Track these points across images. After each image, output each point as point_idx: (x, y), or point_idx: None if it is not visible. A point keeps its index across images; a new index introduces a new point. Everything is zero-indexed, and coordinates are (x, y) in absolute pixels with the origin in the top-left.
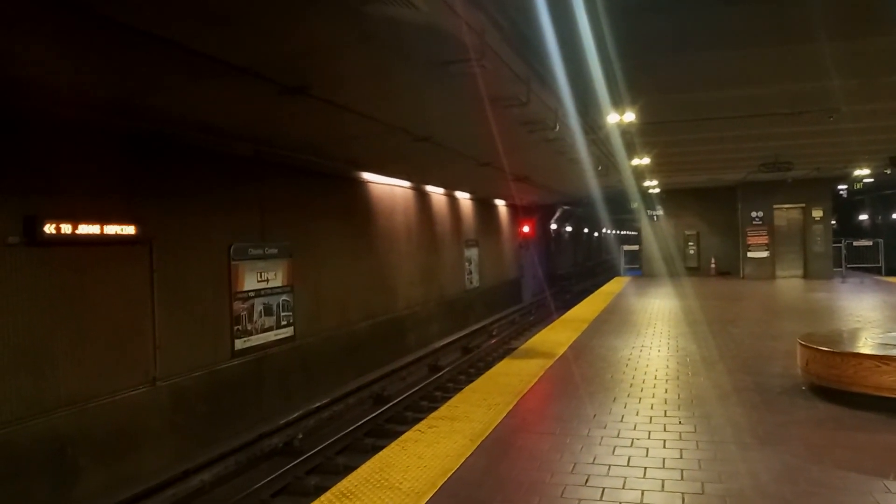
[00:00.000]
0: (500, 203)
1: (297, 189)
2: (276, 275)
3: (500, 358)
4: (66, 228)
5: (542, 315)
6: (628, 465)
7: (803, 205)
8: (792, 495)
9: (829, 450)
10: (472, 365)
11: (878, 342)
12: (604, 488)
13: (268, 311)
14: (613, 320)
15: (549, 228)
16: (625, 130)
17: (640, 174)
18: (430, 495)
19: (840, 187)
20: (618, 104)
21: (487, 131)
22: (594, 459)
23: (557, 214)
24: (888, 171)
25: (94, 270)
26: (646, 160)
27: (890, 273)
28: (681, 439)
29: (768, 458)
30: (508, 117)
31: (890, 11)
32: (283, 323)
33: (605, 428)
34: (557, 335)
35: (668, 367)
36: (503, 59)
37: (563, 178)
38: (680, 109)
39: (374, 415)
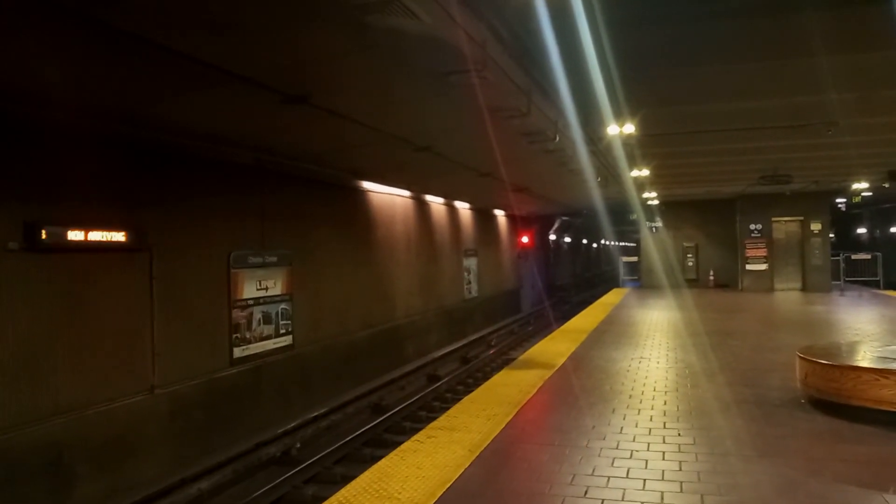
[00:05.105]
0: (500, 213)
1: (298, 197)
2: (275, 283)
3: (499, 368)
4: (66, 235)
5: (541, 325)
6: (627, 477)
7: (802, 218)
8: None
9: (828, 463)
10: (471, 375)
11: (877, 355)
12: (603, 500)
13: (267, 319)
14: (612, 331)
15: (549, 239)
16: (625, 142)
17: (639, 186)
18: None
19: (839, 200)
20: (618, 116)
21: (488, 142)
22: (593, 471)
23: (557, 225)
24: (887, 185)
25: (93, 277)
26: (645, 172)
27: (888, 286)
28: (680, 451)
29: (767, 470)
30: (509, 128)
31: (887, 26)
32: (282, 331)
33: (604, 439)
34: (556, 346)
35: (667, 378)
36: (504, 70)
37: (562, 189)
38: (680, 121)
39: (372, 424)
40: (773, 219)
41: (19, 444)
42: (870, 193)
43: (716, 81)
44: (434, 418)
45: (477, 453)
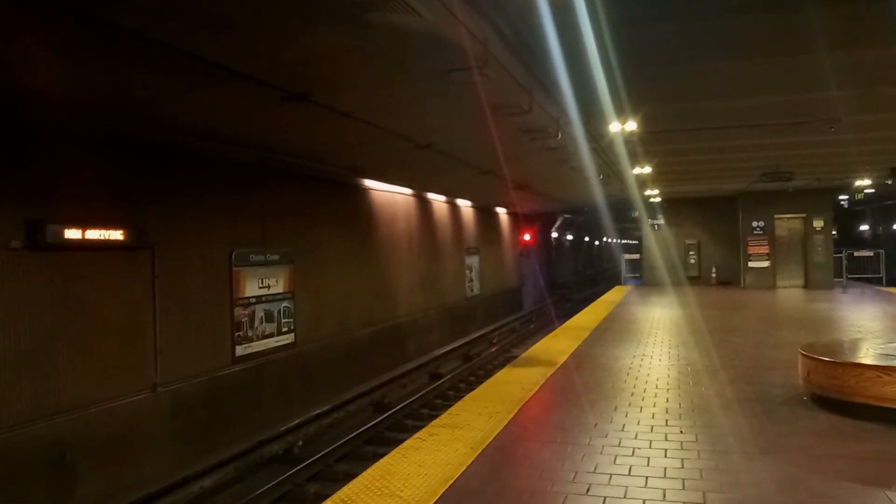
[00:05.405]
0: (502, 211)
1: (299, 195)
2: (277, 281)
3: (501, 366)
4: (68, 233)
5: (543, 323)
6: (629, 475)
7: (804, 215)
8: None
9: (830, 460)
10: (473, 373)
11: (879, 353)
12: (605, 497)
13: (269, 317)
14: (614, 329)
15: (550, 237)
16: (627, 139)
17: (641, 183)
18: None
19: (841, 197)
20: (620, 113)
21: (489, 139)
22: (595, 468)
23: (558, 223)
24: (889, 182)
25: (95, 276)
26: (647, 169)
27: (891, 283)
28: (682, 449)
29: (770, 468)
30: (510, 125)
31: (889, 23)
32: (284, 329)
33: (606, 437)
34: (558, 344)
35: (669, 376)
36: (505, 67)
37: (564, 187)
38: (681, 119)
39: (374, 422)
40: (776, 216)
41: (21, 442)
42: (872, 190)
43: (718, 78)
44: (436, 416)
45: (479, 451)
